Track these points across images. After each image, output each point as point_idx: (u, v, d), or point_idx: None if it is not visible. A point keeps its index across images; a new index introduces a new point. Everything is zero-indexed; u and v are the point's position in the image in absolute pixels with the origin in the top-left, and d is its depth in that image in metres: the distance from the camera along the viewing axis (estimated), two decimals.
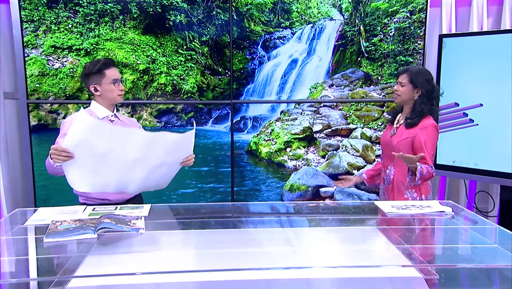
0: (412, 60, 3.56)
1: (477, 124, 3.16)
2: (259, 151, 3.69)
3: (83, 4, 3.37)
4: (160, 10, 3.44)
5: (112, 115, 2.35)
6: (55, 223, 1.82)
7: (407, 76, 2.50)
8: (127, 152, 2.03)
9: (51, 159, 2.02)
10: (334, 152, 3.69)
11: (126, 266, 1.56)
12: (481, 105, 3.14)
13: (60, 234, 1.73)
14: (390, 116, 2.75)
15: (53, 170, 2.15)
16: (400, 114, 2.62)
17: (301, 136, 3.68)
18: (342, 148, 3.69)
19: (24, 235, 1.86)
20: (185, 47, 3.51)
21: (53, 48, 3.41)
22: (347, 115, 3.67)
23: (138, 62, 3.50)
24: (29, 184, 3.52)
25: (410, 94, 2.50)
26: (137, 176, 2.15)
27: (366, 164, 3.66)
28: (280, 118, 3.67)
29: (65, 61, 3.43)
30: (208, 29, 3.51)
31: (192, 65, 3.55)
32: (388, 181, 2.58)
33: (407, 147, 2.48)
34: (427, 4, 3.49)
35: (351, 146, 3.69)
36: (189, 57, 3.53)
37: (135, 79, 3.52)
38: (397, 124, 2.60)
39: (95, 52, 3.43)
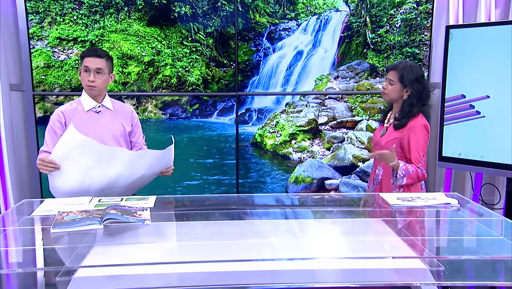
0: (418, 51, 3.53)
1: (484, 116, 3.13)
2: (264, 143, 3.69)
3: None
4: (165, 2, 3.43)
5: (99, 106, 2.35)
6: (61, 214, 1.84)
7: (397, 74, 2.39)
8: (111, 169, 2.11)
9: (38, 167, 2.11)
10: (339, 144, 3.68)
11: (131, 257, 1.57)
12: (488, 97, 3.11)
13: (66, 224, 1.74)
14: (381, 115, 2.67)
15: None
16: (390, 113, 2.54)
17: (306, 128, 3.67)
18: (347, 140, 3.68)
19: (31, 225, 1.87)
20: (190, 39, 3.51)
21: (58, 40, 3.41)
22: (353, 108, 3.66)
23: (143, 54, 3.50)
24: (35, 175, 3.54)
25: (399, 94, 2.41)
26: (117, 189, 2.21)
27: None
28: (285, 110, 3.66)
29: (71, 53, 3.43)
30: (213, 20, 3.49)
31: (197, 57, 3.54)
32: (377, 181, 2.53)
33: (396, 148, 2.41)
34: None
35: (356, 138, 3.68)
36: (194, 49, 3.52)
37: (140, 71, 3.52)
38: (387, 123, 2.52)
39: (100, 44, 3.43)
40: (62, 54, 3.44)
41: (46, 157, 2.10)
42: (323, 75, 3.64)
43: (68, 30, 3.40)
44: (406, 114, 2.40)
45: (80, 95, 3.49)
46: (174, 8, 3.45)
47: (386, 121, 2.55)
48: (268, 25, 3.56)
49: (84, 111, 2.32)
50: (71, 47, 3.43)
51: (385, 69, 2.52)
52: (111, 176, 2.13)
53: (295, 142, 3.69)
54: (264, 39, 3.58)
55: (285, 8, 3.54)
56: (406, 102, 2.41)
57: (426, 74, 3.55)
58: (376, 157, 2.41)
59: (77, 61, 3.44)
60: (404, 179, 2.33)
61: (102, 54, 2.32)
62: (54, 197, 2.20)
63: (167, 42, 3.50)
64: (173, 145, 2.19)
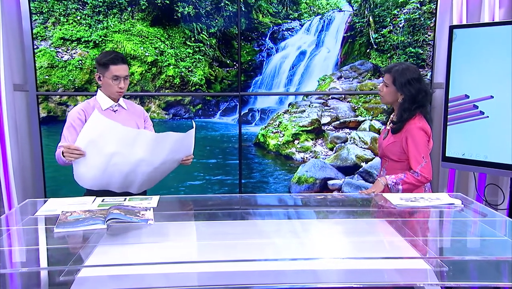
0: (422, 51, 3.53)
1: (488, 117, 3.12)
2: (267, 143, 3.69)
3: None
4: (168, 2, 3.43)
5: (115, 105, 2.41)
6: (65, 214, 1.84)
7: (391, 77, 2.38)
8: (134, 153, 2.11)
9: (63, 156, 2.14)
10: (342, 144, 3.68)
11: (135, 256, 1.57)
12: (492, 97, 3.10)
13: (70, 224, 1.74)
14: (385, 117, 2.67)
15: (61, 162, 2.26)
16: (393, 114, 2.52)
17: (309, 128, 3.67)
18: (350, 140, 3.68)
19: (35, 225, 1.88)
20: (193, 39, 3.51)
21: (62, 40, 3.42)
22: (356, 108, 3.65)
23: (146, 54, 3.50)
24: (39, 175, 3.55)
25: (394, 96, 2.40)
26: (140, 175, 2.22)
27: (374, 156, 3.65)
28: (288, 110, 3.66)
29: (74, 53, 3.44)
30: (216, 20, 3.50)
31: (200, 57, 3.54)
32: None
33: (395, 151, 2.41)
34: None
35: (360, 138, 3.67)
36: (197, 49, 3.52)
37: (143, 72, 3.53)
38: (389, 125, 2.52)
39: (104, 44, 3.44)
40: (65, 54, 3.45)
41: (71, 144, 2.12)
42: (326, 75, 3.64)
43: (72, 30, 3.41)
44: (400, 118, 2.39)
45: (83, 95, 3.51)
46: (177, 9, 3.45)
47: (388, 123, 2.55)
48: (271, 25, 3.56)
49: (102, 110, 2.36)
50: (75, 47, 3.44)
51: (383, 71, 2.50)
52: (133, 161, 2.13)
53: (298, 143, 3.69)
54: (267, 39, 3.58)
55: (288, 8, 3.54)
56: (400, 107, 2.40)
57: (429, 74, 3.54)
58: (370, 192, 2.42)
59: (80, 62, 3.45)
60: (399, 186, 2.33)
61: (125, 59, 2.37)
62: (57, 197, 2.21)
63: (170, 42, 3.50)
64: (193, 130, 2.20)
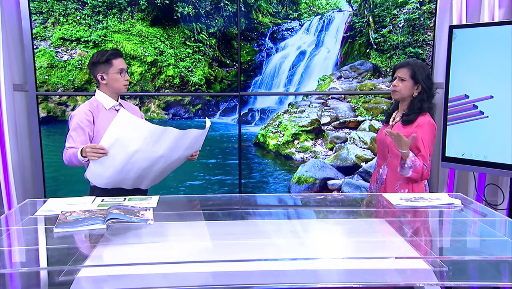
0: (421, 51, 3.53)
1: (487, 117, 3.12)
2: (267, 143, 3.69)
3: None
4: (168, 2, 3.43)
5: (117, 105, 2.42)
6: (64, 214, 1.84)
7: (408, 71, 2.39)
8: (155, 150, 2.11)
9: (82, 156, 2.14)
10: (342, 144, 3.68)
11: (134, 256, 1.57)
12: (492, 97, 3.10)
13: (69, 224, 1.74)
14: (384, 117, 2.66)
15: (75, 163, 2.25)
16: (396, 112, 2.53)
17: (309, 128, 3.67)
18: (350, 140, 3.68)
19: (34, 225, 1.87)
20: (192, 39, 3.51)
21: (61, 40, 3.42)
22: (355, 108, 3.65)
23: (146, 54, 3.50)
24: (38, 175, 3.55)
25: (410, 90, 2.41)
26: (154, 172, 2.23)
27: (374, 156, 3.64)
28: (288, 110, 3.66)
29: (74, 53, 3.44)
30: (216, 21, 3.50)
31: (200, 57, 3.54)
32: (380, 181, 2.51)
33: None
34: None
35: (359, 138, 3.67)
36: (196, 49, 3.52)
37: (143, 72, 3.53)
38: (392, 122, 2.51)
39: (103, 44, 3.44)
40: (65, 54, 3.45)
41: (95, 144, 2.13)
42: (325, 75, 3.64)
43: (71, 30, 3.41)
44: (417, 110, 2.39)
45: (83, 95, 3.51)
46: (177, 9, 3.45)
47: (391, 120, 2.54)
48: (270, 25, 3.56)
49: (106, 110, 2.37)
50: (74, 47, 3.44)
51: (393, 67, 2.49)
52: (153, 158, 2.14)
53: (298, 143, 3.68)
54: (266, 39, 3.58)
55: (287, 8, 3.54)
56: (416, 98, 2.40)
57: None
58: (392, 137, 2.34)
59: (80, 62, 3.45)
60: (410, 170, 2.30)
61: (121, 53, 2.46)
62: (57, 197, 2.21)
63: (170, 43, 3.50)
64: (207, 128, 2.23)
